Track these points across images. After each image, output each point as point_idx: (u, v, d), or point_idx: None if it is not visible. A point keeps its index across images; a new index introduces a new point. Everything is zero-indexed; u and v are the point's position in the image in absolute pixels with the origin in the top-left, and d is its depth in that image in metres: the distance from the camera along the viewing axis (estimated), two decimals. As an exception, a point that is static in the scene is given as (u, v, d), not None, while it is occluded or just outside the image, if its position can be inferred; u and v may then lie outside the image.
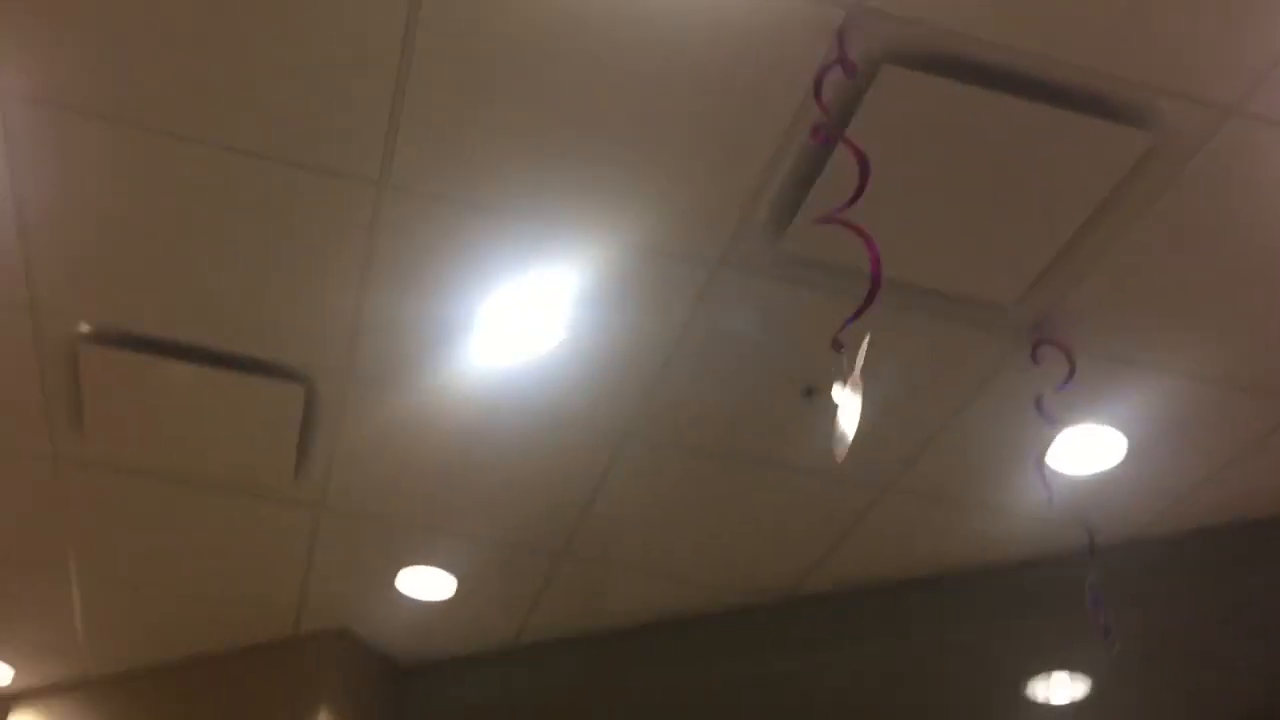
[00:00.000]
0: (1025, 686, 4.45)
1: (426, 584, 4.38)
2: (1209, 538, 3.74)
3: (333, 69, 2.43)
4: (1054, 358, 3.00)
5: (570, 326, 3.07)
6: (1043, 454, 3.27)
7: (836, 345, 2.02)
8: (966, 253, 2.78)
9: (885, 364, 3.09)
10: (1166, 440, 3.35)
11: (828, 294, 2.91)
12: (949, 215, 2.68)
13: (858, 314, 1.97)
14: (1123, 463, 3.42)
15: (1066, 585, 3.19)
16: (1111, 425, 3.27)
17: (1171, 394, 3.16)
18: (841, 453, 1.96)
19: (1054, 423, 3.10)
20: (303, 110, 2.52)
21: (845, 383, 1.99)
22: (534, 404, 3.38)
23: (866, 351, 2.02)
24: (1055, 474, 3.43)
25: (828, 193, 2.54)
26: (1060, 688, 4.42)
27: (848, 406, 1.98)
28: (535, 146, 2.58)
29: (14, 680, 5.17)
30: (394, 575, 4.33)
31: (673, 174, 2.63)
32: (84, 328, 3.19)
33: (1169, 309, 2.91)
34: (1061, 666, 4.27)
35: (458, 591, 4.41)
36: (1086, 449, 3.35)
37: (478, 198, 2.72)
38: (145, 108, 2.54)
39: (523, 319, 3.05)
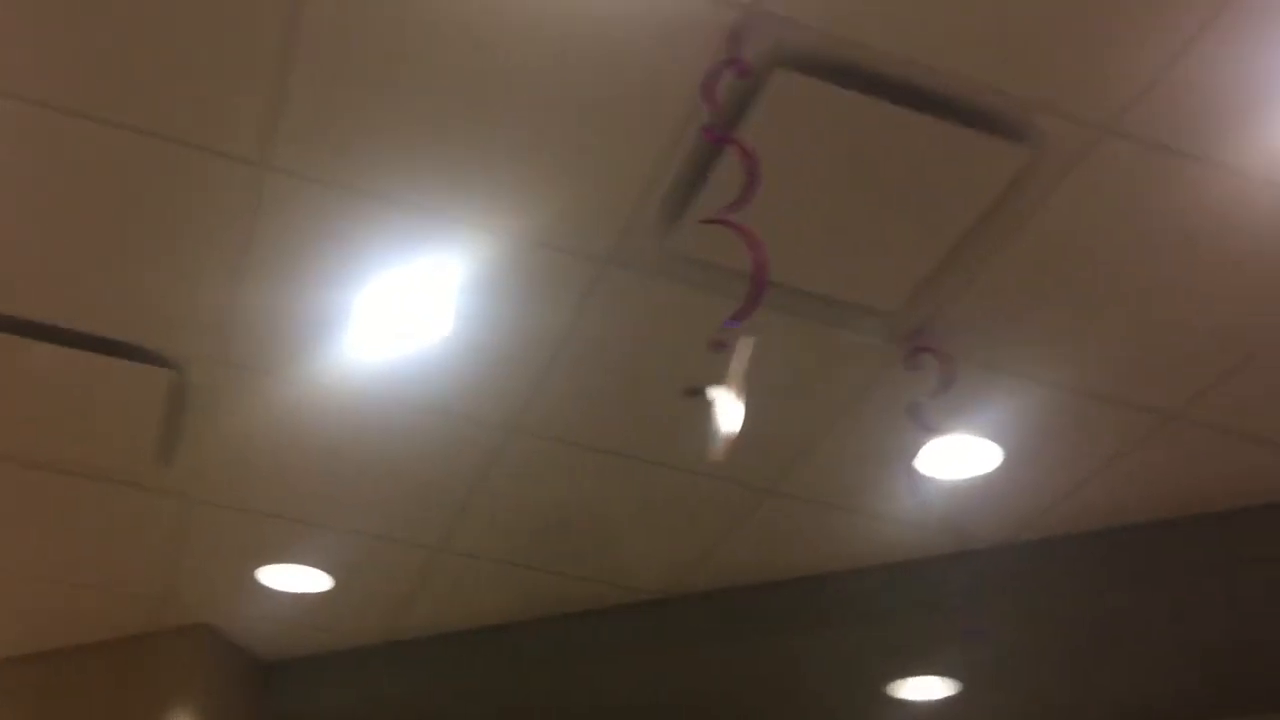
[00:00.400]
0: (895, 685, 4.55)
1: (298, 579, 4.28)
2: (1077, 545, 3.86)
3: (214, 43, 2.35)
4: (932, 366, 3.06)
5: (455, 319, 3.03)
6: (917, 460, 3.34)
7: (717, 345, 2.02)
8: (851, 259, 2.81)
9: (769, 366, 3.11)
10: (1037, 449, 3.44)
11: (716, 295, 2.91)
12: (835, 221, 2.71)
13: (739, 315, 1.97)
14: (996, 470, 3.50)
15: (939, 589, 3.26)
16: (985, 433, 3.35)
17: (1043, 404, 3.25)
18: (719, 453, 1.96)
19: (929, 430, 3.16)
20: (181, 84, 2.43)
21: (726, 384, 1.99)
22: (416, 397, 3.32)
23: (749, 353, 2.03)
24: (930, 480, 3.50)
25: (718, 193, 2.54)
26: (928, 688, 4.52)
27: (728, 407, 1.98)
28: (423, 135, 2.53)
29: None
30: (264, 569, 4.22)
31: (563, 168, 2.61)
32: (-62, 304, 3.03)
33: (1042, 321, 2.98)
34: (930, 667, 4.36)
35: (331, 587, 4.32)
36: (961, 456, 3.42)
37: (362, 184, 2.65)
38: (12, 77, 2.42)
39: (406, 310, 3.00)
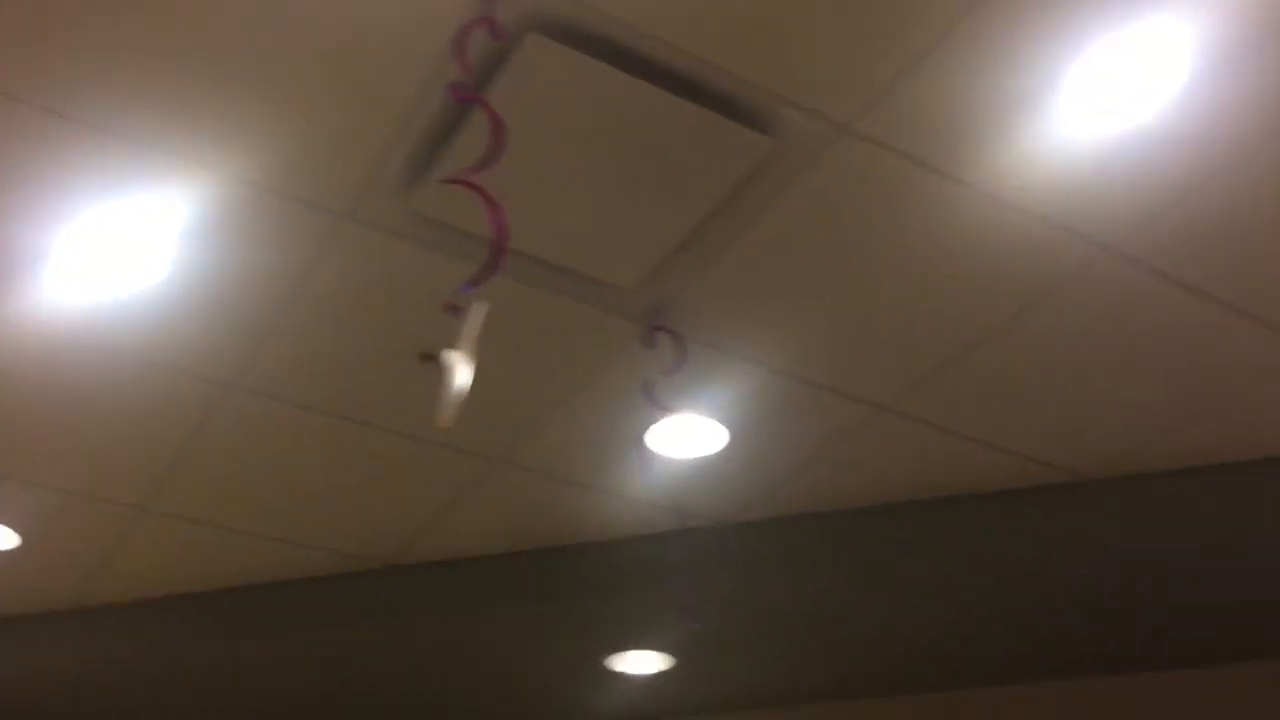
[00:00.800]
0: (612, 659, 4.62)
1: (-20, 535, 3.93)
2: (795, 527, 4.00)
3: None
4: (667, 345, 3.10)
5: (173, 263, 2.83)
6: (647, 438, 3.38)
7: (451, 309, 1.97)
8: (594, 233, 2.81)
9: (506, 335, 3.07)
10: (761, 432, 3.55)
11: (455, 258, 2.84)
12: (580, 193, 2.69)
13: (475, 280, 1.92)
14: (722, 451, 3.59)
15: (660, 565, 3.32)
16: (713, 414, 3.43)
17: (768, 389, 3.35)
18: (448, 419, 1.91)
19: (661, 408, 3.20)
20: None
21: (457, 349, 1.94)
22: (125, 345, 3.09)
23: (484, 320, 1.98)
24: (658, 458, 3.55)
25: (464, 155, 2.48)
26: (644, 662, 4.62)
27: (458, 373, 1.93)
28: (145, 63, 2.34)
29: None
30: (-60, 523, 3.85)
31: (300, 113, 2.47)
32: None
33: (772, 308, 3.07)
34: (647, 642, 4.45)
35: (17, 545, 3.99)
36: (689, 435, 3.49)
37: (73, 109, 2.43)
38: None
39: (117, 250, 2.77)
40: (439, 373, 2.00)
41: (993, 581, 4.10)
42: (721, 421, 3.46)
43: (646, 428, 3.35)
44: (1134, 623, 4.36)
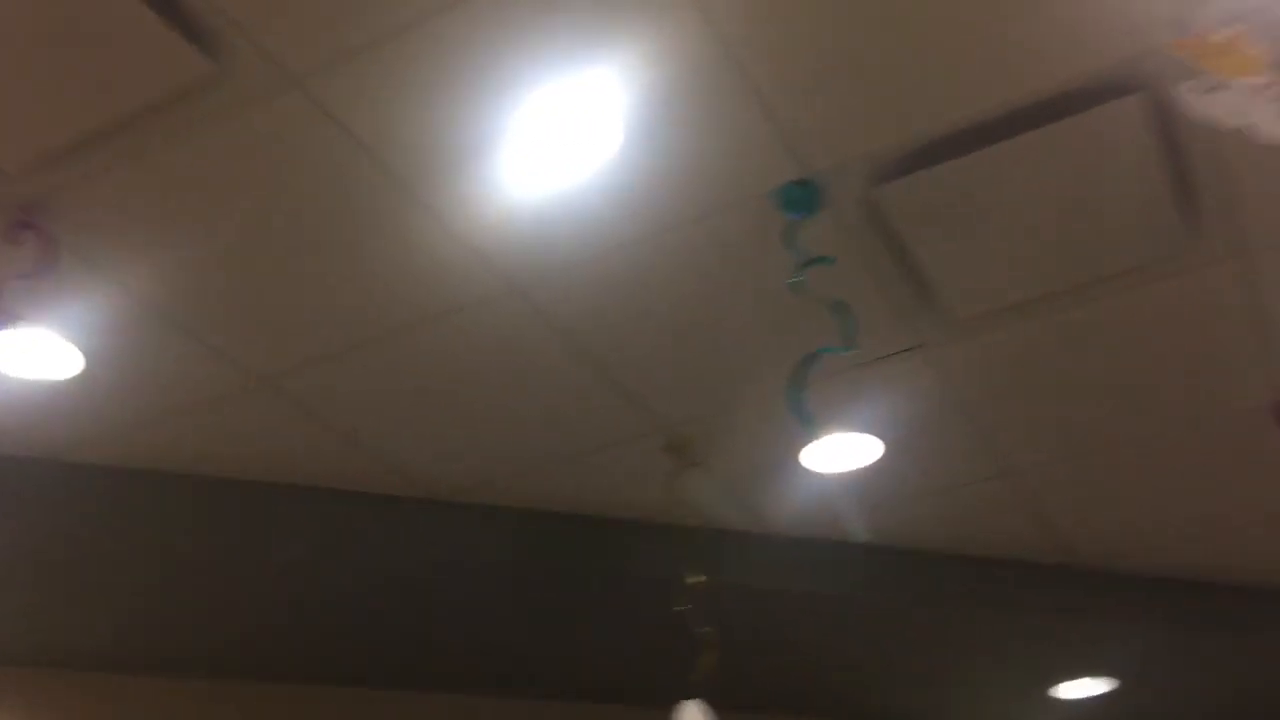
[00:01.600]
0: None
1: None
2: (116, 479, 3.66)
3: None
4: (33, 246, 2.72)
5: None
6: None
7: None
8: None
9: None
10: (122, 368, 3.22)
11: None
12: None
13: None
14: (74, 377, 3.19)
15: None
16: (69, 336, 3.04)
17: (143, 326, 3.05)
18: None
19: (7, 315, 2.78)
20: None
21: None
22: None
23: None
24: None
25: None
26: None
27: None
28: None
29: None
30: None
31: None
32: None
33: (168, 242, 2.82)
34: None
35: None
36: (35, 353, 3.06)
37: None
38: None
39: None
40: None
41: (303, 578, 4.05)
42: (77, 345, 3.08)
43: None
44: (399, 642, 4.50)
